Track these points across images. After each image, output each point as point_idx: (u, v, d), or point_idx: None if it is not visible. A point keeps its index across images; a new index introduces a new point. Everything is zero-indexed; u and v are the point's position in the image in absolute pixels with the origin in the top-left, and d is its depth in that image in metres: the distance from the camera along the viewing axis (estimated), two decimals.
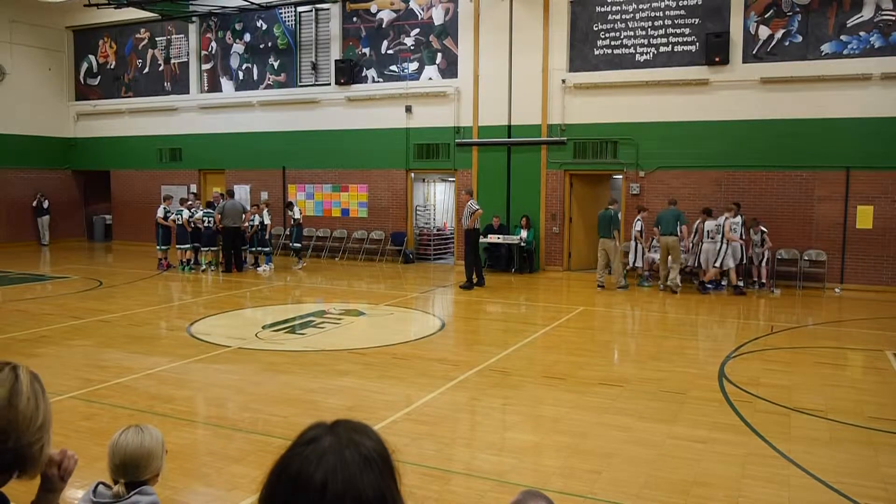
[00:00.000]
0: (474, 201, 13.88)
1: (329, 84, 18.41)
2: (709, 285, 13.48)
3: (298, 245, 16.85)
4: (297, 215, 16.68)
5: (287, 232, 17.01)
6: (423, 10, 17.32)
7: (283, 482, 1.10)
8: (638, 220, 14.18)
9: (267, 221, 16.27)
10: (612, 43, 15.43)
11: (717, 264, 13.19)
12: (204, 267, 15.91)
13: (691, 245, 13.91)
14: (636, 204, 15.13)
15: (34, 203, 21.23)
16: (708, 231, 13.42)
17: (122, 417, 6.02)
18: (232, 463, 5.09)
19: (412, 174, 17.91)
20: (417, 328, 10.53)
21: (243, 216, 15.78)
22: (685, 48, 14.79)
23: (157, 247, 16.13)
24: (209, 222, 15.63)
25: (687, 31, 14.76)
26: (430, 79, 17.30)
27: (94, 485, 2.33)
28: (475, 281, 13.67)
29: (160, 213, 16.02)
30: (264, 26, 19.33)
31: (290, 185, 19.23)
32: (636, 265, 14.31)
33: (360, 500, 1.07)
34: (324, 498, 1.06)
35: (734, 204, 13.64)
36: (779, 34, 14.08)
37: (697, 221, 13.76)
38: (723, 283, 13.60)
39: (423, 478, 4.75)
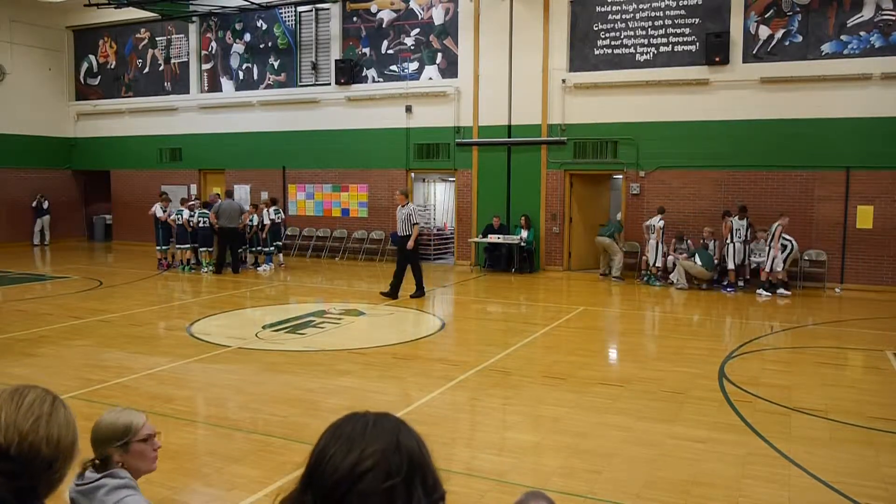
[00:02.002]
0: (413, 209, 12.52)
1: (329, 84, 18.41)
2: (729, 288, 13.45)
3: (279, 244, 16.76)
4: (272, 215, 16.41)
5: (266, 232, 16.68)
6: (423, 9, 17.31)
7: (334, 429, 1.20)
8: (660, 220, 14.12)
9: (266, 221, 16.22)
10: (612, 43, 15.42)
11: (769, 269, 13.10)
12: (205, 268, 15.87)
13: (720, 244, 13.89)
14: (640, 204, 15.17)
15: (34, 203, 21.22)
16: (737, 230, 13.41)
17: None
18: (232, 463, 5.09)
19: (412, 174, 17.91)
20: (417, 328, 10.53)
21: (241, 216, 15.67)
22: (685, 48, 14.78)
23: (157, 247, 16.11)
24: (204, 222, 15.57)
25: (687, 31, 14.75)
26: (430, 79, 17.29)
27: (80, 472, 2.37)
28: (418, 291, 12.41)
29: (158, 212, 15.96)
30: (264, 26, 19.32)
31: (290, 185, 19.23)
32: (656, 264, 14.23)
33: (398, 443, 1.16)
34: (365, 431, 1.17)
35: (740, 209, 13.60)
36: (779, 34, 14.08)
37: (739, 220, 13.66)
38: (733, 283, 13.56)
39: None
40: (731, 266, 13.51)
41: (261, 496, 4.48)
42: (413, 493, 1.13)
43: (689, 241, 14.08)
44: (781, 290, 13.11)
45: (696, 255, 13.74)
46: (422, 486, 1.15)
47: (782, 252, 13.19)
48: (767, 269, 13.12)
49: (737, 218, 13.53)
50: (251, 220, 16.18)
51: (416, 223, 12.37)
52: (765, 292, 13.05)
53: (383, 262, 17.70)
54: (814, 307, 12.22)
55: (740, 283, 13.64)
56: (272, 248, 16.51)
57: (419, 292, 12.44)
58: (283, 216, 17.22)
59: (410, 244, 12.23)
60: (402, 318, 11.12)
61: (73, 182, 22.87)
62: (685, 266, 13.72)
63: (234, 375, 7.53)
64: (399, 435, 1.18)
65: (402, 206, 12.42)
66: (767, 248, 13.13)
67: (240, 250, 16.04)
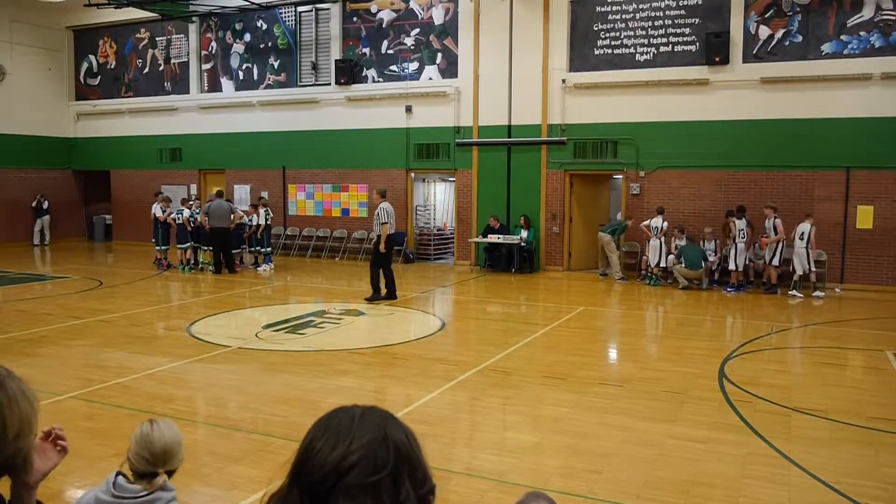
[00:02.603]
0: (386, 209, 11.83)
1: (329, 84, 18.40)
2: (730, 288, 13.45)
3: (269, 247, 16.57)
4: (260, 218, 16.15)
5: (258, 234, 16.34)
6: (423, 9, 17.31)
7: (320, 423, 1.19)
8: (663, 220, 14.12)
9: (262, 221, 16.15)
10: (612, 43, 15.42)
11: (807, 268, 13.02)
12: (202, 266, 15.86)
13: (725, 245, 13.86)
14: (640, 204, 15.18)
15: (34, 203, 21.22)
16: (740, 231, 13.42)
17: (123, 417, 6.01)
18: (232, 463, 5.09)
19: (412, 174, 17.91)
20: (417, 328, 10.53)
21: (231, 216, 15.40)
22: (685, 48, 14.78)
23: (157, 247, 16.09)
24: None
25: (687, 30, 14.75)
26: (430, 79, 17.29)
27: (113, 476, 2.32)
28: (384, 293, 12.01)
29: (158, 211, 15.93)
30: (264, 26, 19.32)
31: (290, 185, 19.23)
32: (660, 264, 14.19)
33: (385, 436, 1.14)
34: (352, 425, 1.15)
35: (738, 209, 13.57)
36: (779, 34, 14.08)
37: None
38: (734, 284, 13.55)
39: None
40: (732, 267, 13.51)
41: (261, 496, 4.47)
42: (401, 487, 1.12)
43: (687, 237, 14.06)
44: (793, 292, 13.05)
45: (682, 254, 13.75)
46: (410, 479, 1.13)
47: (781, 251, 13.18)
48: (804, 269, 13.02)
49: (736, 219, 13.53)
50: (250, 220, 16.15)
51: (385, 222, 11.66)
52: (797, 293, 12.98)
53: None
54: (814, 307, 12.22)
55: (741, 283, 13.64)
56: (269, 248, 16.50)
57: (375, 296, 11.98)
58: (271, 215, 16.79)
59: (382, 246, 11.72)
60: (402, 318, 11.12)
61: (73, 182, 22.87)
62: (676, 270, 13.77)
63: (234, 375, 7.53)
64: (386, 428, 1.16)
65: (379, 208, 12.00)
66: (806, 252, 12.95)
67: (236, 250, 15.96)
